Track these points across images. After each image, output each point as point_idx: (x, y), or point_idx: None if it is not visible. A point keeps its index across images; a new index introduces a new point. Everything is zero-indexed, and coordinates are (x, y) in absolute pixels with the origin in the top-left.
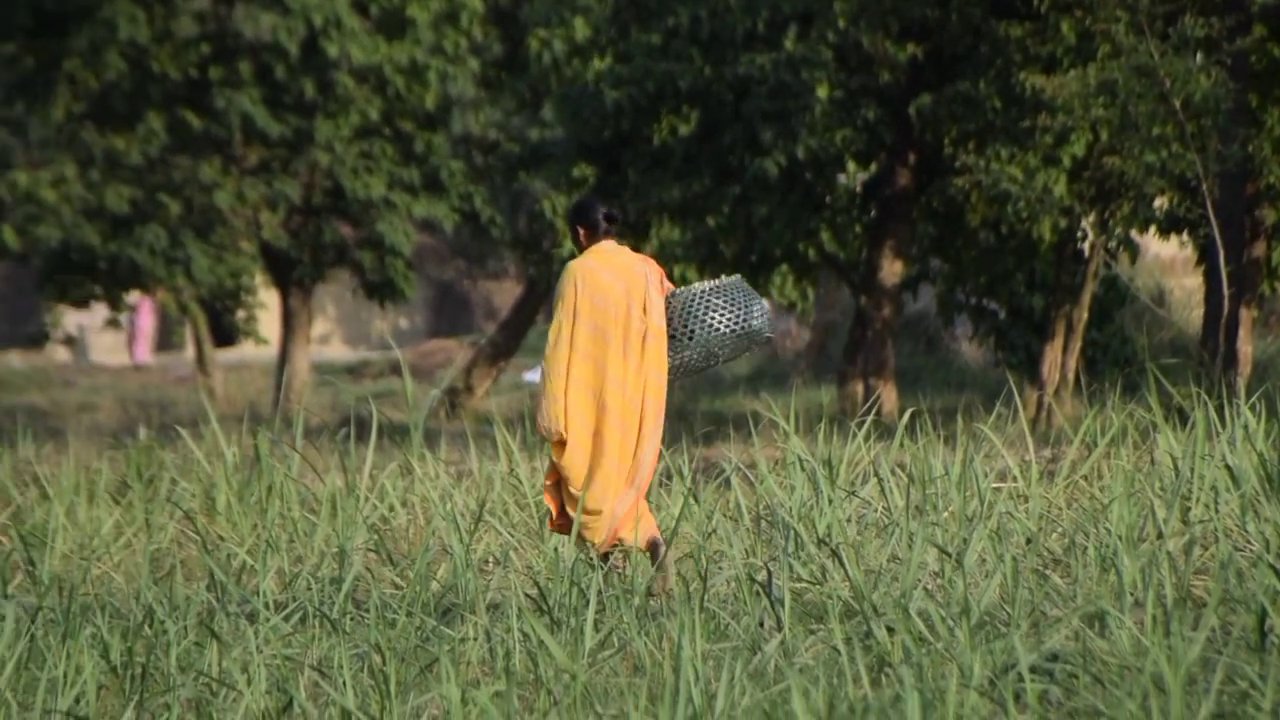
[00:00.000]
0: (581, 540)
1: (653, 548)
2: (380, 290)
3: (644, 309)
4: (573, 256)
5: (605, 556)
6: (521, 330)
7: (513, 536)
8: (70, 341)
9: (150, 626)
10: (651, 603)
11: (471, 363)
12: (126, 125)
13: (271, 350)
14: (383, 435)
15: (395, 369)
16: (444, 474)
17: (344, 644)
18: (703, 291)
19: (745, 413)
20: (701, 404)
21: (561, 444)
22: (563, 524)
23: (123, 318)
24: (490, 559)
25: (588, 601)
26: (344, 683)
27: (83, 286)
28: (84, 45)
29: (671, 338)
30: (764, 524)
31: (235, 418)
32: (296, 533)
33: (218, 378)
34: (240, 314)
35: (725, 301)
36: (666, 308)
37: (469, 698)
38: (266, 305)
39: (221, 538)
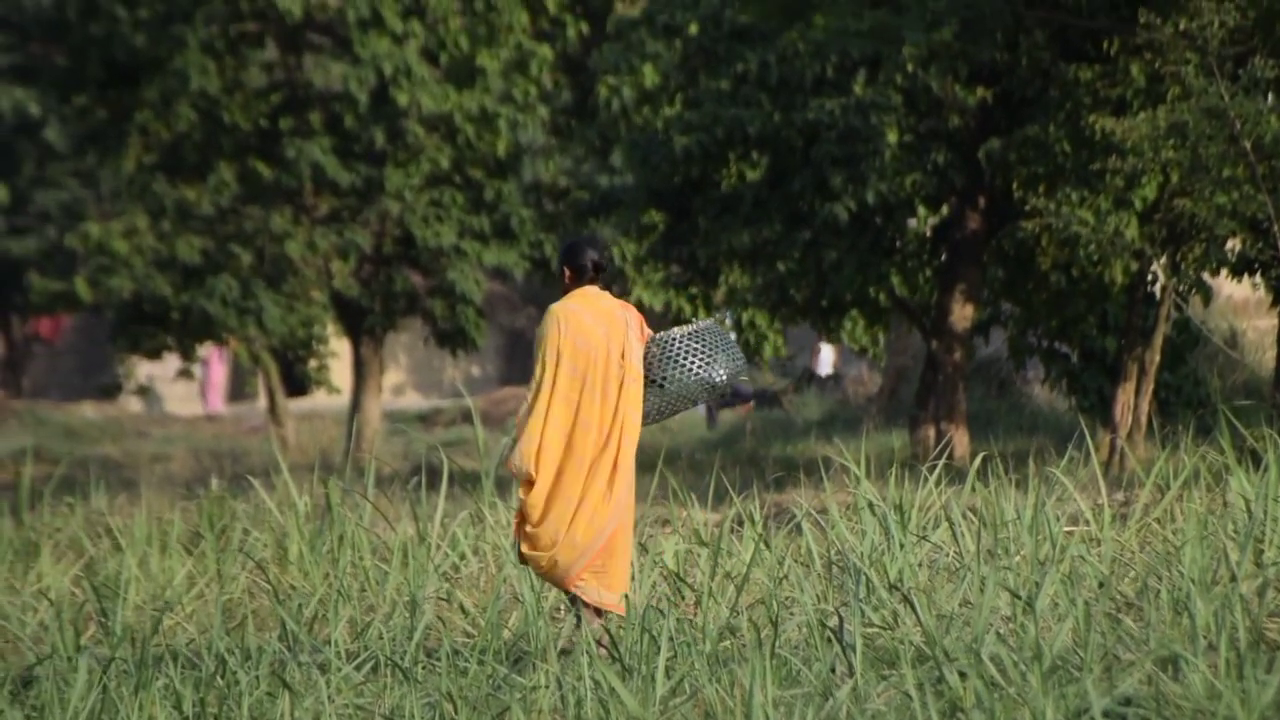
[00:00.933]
0: (525, 564)
1: (598, 613)
2: (451, 338)
3: (623, 354)
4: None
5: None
6: None
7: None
8: (143, 392)
9: (223, 677)
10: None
11: None
12: (198, 176)
13: (343, 399)
14: (454, 483)
15: (467, 417)
16: (513, 522)
17: (416, 693)
18: (680, 337)
19: (816, 458)
20: (773, 449)
21: (530, 483)
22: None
23: (195, 368)
24: (561, 606)
25: (659, 648)
26: None
27: (155, 337)
28: (155, 96)
29: (650, 382)
30: (835, 569)
31: (307, 467)
32: (368, 582)
33: (290, 427)
34: (312, 363)
35: (702, 346)
36: (645, 353)
37: None
38: (338, 354)
39: (293, 587)
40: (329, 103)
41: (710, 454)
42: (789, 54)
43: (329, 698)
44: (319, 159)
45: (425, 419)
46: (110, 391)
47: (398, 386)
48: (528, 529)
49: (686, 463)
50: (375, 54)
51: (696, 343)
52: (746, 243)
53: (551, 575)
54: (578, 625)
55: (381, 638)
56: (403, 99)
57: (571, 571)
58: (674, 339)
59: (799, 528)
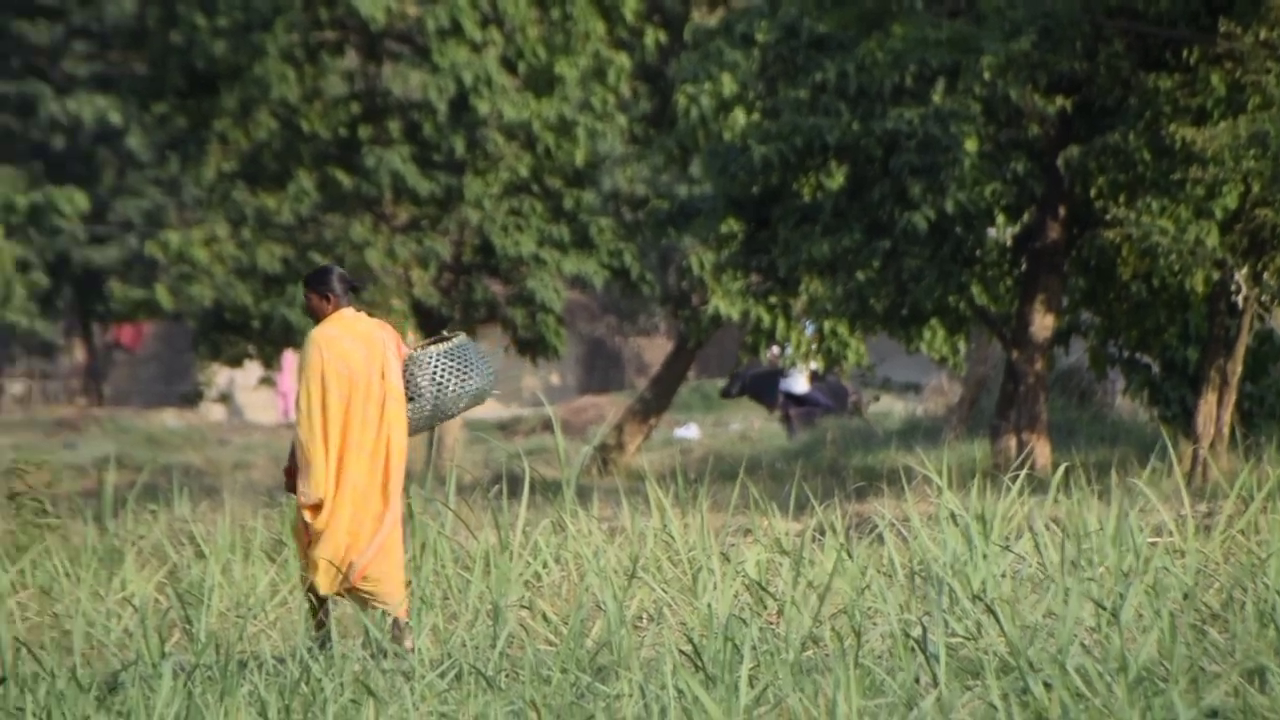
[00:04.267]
0: (312, 590)
1: (396, 626)
2: (531, 347)
3: (383, 374)
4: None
5: (323, 601)
6: (672, 386)
7: (666, 593)
8: (224, 399)
9: (307, 684)
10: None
11: (623, 419)
12: (277, 184)
13: None
14: (535, 492)
15: (547, 425)
16: (597, 530)
17: (499, 701)
18: (437, 354)
19: (898, 468)
20: (853, 459)
21: (315, 508)
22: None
23: (275, 376)
24: (644, 615)
25: (742, 658)
26: None
27: (236, 345)
28: (235, 105)
29: (410, 399)
30: (918, 579)
31: None
32: (451, 590)
33: None
34: None
35: (456, 363)
36: (404, 370)
37: None
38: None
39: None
40: (408, 111)
41: (791, 463)
42: (867, 63)
43: (413, 705)
44: (398, 167)
45: (505, 427)
46: (191, 399)
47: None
48: (317, 549)
49: (767, 472)
50: (454, 62)
51: (450, 360)
52: (826, 252)
53: (323, 584)
54: (317, 624)
55: (464, 646)
56: (482, 107)
57: (349, 578)
58: (429, 355)
59: (881, 537)
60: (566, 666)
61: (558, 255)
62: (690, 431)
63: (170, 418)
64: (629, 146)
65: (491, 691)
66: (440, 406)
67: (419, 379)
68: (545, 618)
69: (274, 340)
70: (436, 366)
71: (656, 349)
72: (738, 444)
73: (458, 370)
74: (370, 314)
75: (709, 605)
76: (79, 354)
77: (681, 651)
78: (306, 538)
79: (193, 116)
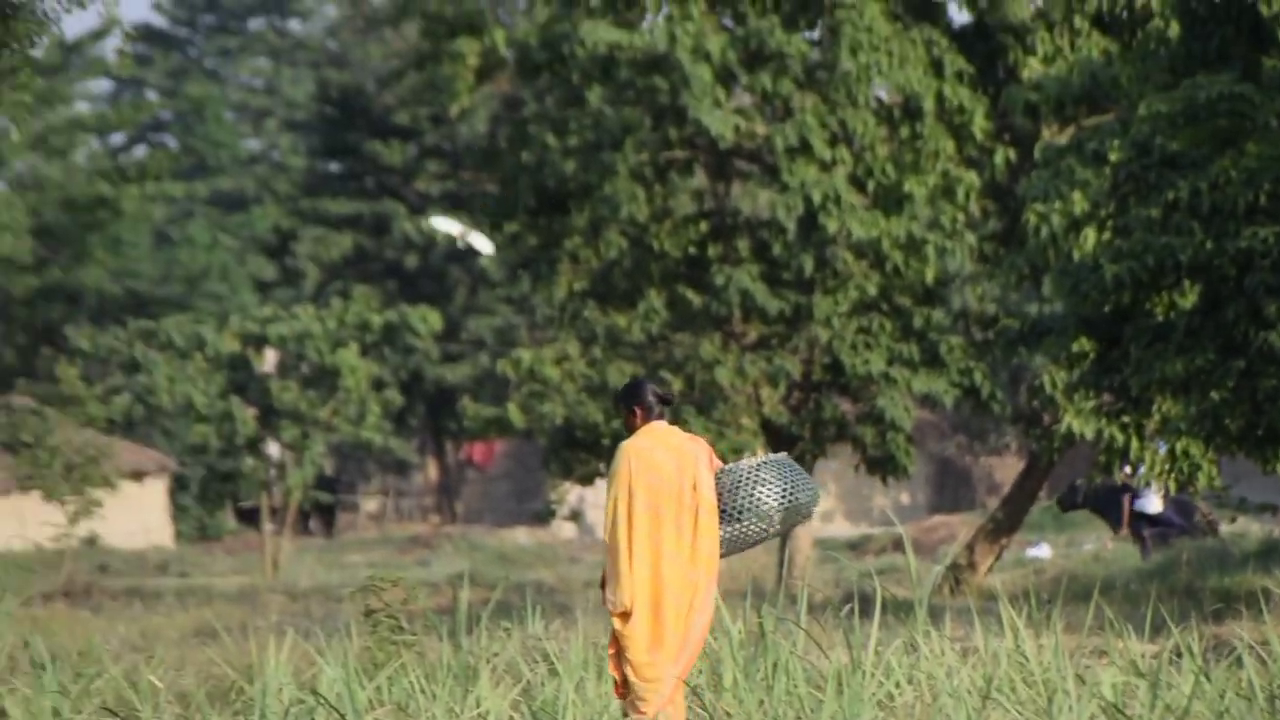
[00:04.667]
0: (633, 707)
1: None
2: (881, 465)
3: (694, 485)
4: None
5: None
6: (1024, 505)
7: (1020, 714)
8: (575, 517)
9: None
10: None
11: (974, 538)
12: (627, 302)
13: None
14: (887, 611)
15: (897, 544)
16: (949, 650)
17: None
18: (751, 468)
19: (1256, 589)
20: (1210, 581)
21: (625, 616)
22: (626, 692)
23: None
24: None
25: None
26: None
27: (587, 463)
28: (585, 223)
29: (722, 513)
30: (1278, 703)
31: (739, 593)
32: (803, 709)
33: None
34: None
35: (773, 476)
36: (716, 484)
37: None
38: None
39: (728, 714)
40: (757, 229)
41: (1145, 584)
42: (1221, 181)
43: None
44: (748, 286)
45: (855, 546)
46: (543, 517)
47: (827, 513)
48: (630, 658)
49: (1121, 593)
50: (803, 181)
51: (766, 473)
52: (1179, 371)
53: (650, 703)
54: None
55: None
56: (831, 225)
57: (664, 694)
58: (744, 471)
59: (1240, 660)
60: None
61: (907, 374)
62: (1042, 551)
63: (522, 535)
64: (978, 265)
65: None
66: (757, 522)
67: (733, 492)
68: None
69: None
70: (751, 478)
71: (1007, 468)
72: (1090, 564)
73: (774, 483)
74: (720, 432)
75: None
76: (432, 472)
77: None
78: (614, 647)
79: (543, 235)
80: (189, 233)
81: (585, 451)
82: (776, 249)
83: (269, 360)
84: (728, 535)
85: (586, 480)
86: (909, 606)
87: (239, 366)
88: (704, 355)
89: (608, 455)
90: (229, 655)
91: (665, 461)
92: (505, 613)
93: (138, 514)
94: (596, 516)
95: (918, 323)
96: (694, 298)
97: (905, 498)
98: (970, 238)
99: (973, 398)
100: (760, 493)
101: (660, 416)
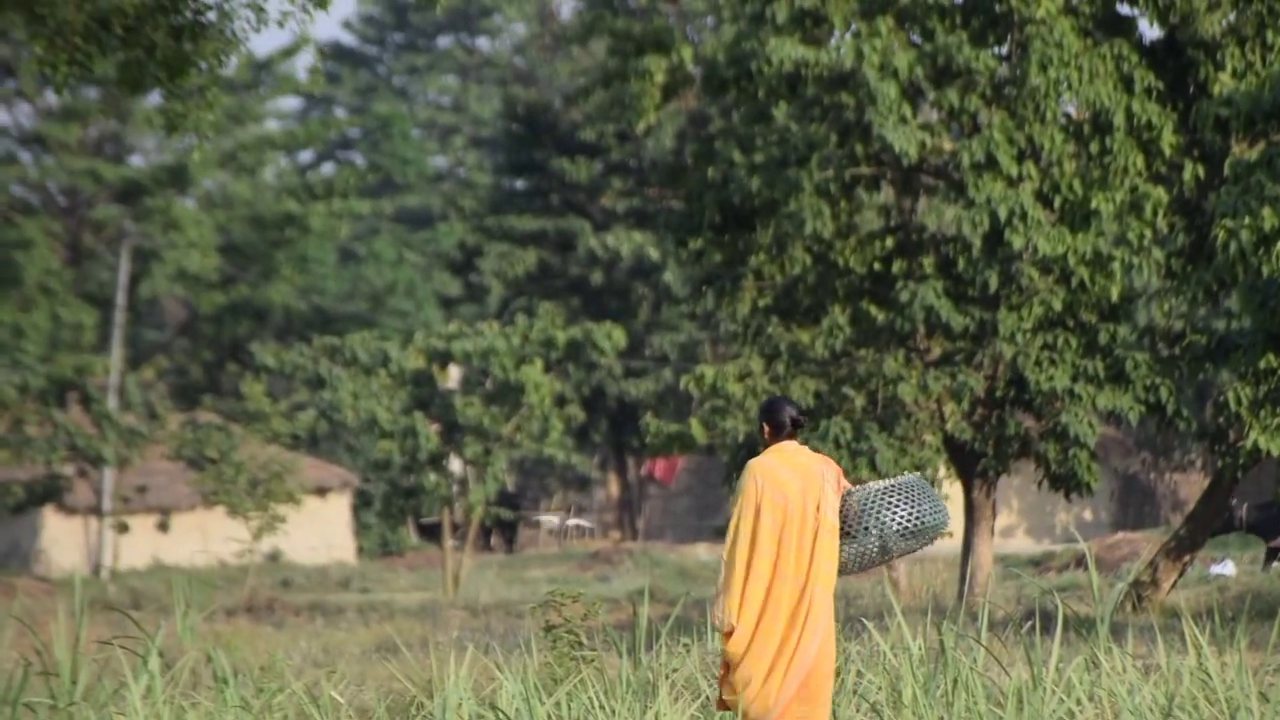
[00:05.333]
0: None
1: None
2: (1064, 482)
3: (818, 507)
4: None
5: None
6: (1208, 523)
7: None
8: None
9: None
10: None
11: (1157, 555)
12: (811, 319)
13: (955, 542)
14: (1068, 628)
15: (1080, 561)
16: (1131, 668)
17: None
18: (880, 490)
19: None
20: None
21: (730, 633)
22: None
23: None
24: None
25: None
26: None
27: None
28: (769, 240)
29: (846, 533)
30: None
31: (919, 610)
32: None
33: (902, 569)
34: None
35: (901, 499)
36: (843, 505)
37: None
38: (950, 497)
39: None
40: (942, 245)
41: None
42: None
43: None
44: (932, 302)
45: (1037, 563)
46: (724, 533)
47: (1009, 529)
48: (732, 677)
49: None
50: (990, 196)
51: (894, 495)
52: None
53: (747, 711)
54: None
55: None
56: (1016, 241)
57: (769, 718)
58: (872, 492)
59: None
60: None
61: (1092, 390)
62: (1226, 568)
63: (702, 551)
64: (1165, 281)
65: None
66: (882, 543)
67: (861, 513)
68: None
69: None
70: (879, 501)
71: (1191, 485)
72: (1276, 581)
73: (903, 505)
74: (903, 449)
75: None
76: (613, 488)
77: None
78: (723, 666)
79: (728, 251)
80: (375, 249)
81: None
82: (961, 265)
83: (453, 376)
84: (851, 553)
85: None
86: (1091, 624)
87: (423, 383)
88: (887, 371)
89: None
90: (409, 670)
91: (790, 480)
92: (685, 628)
93: (321, 529)
94: None
95: (1103, 339)
96: (878, 314)
97: (1088, 514)
98: (1157, 253)
99: (1158, 414)
100: (887, 515)
101: (791, 436)
